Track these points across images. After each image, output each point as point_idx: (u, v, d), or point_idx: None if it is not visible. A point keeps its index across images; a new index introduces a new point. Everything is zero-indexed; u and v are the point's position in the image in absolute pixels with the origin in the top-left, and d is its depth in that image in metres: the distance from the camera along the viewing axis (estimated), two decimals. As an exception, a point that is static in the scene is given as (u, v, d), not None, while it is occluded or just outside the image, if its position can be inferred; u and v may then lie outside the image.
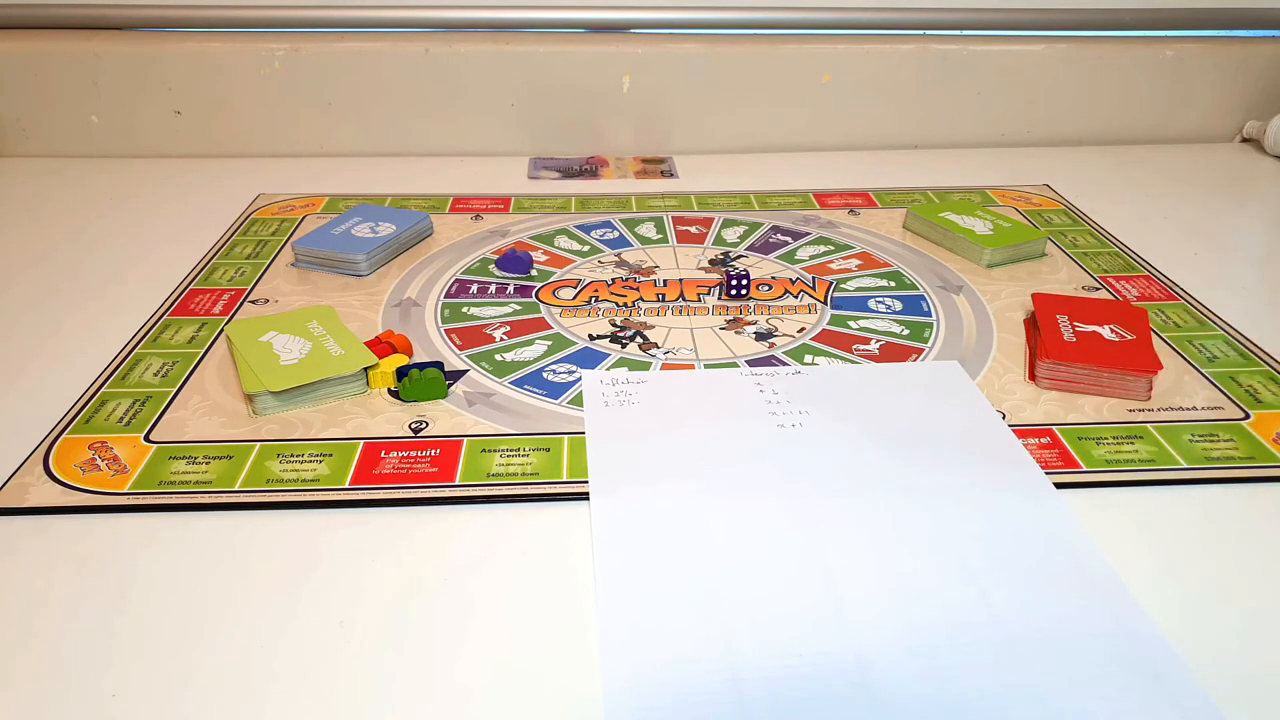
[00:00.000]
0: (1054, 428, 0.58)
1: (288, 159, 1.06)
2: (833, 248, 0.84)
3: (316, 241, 0.80)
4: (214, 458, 0.55)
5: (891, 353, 0.67)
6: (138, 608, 0.45)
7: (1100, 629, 0.43)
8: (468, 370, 0.64)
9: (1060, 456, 0.55)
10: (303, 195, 0.95)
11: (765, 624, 0.43)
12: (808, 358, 0.66)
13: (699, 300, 0.74)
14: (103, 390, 0.61)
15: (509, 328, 0.70)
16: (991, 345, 0.68)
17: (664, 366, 0.65)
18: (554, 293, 0.75)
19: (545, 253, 0.83)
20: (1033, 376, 0.63)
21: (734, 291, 0.74)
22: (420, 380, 0.60)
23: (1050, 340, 0.64)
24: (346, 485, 0.52)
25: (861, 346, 0.68)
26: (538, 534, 0.50)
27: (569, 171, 1.04)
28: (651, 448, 0.56)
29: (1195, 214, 0.93)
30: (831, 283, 0.77)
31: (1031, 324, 0.70)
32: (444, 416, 0.59)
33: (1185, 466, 0.55)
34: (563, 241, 0.85)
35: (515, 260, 0.79)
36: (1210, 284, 0.77)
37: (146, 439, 0.56)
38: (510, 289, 0.76)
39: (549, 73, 1.05)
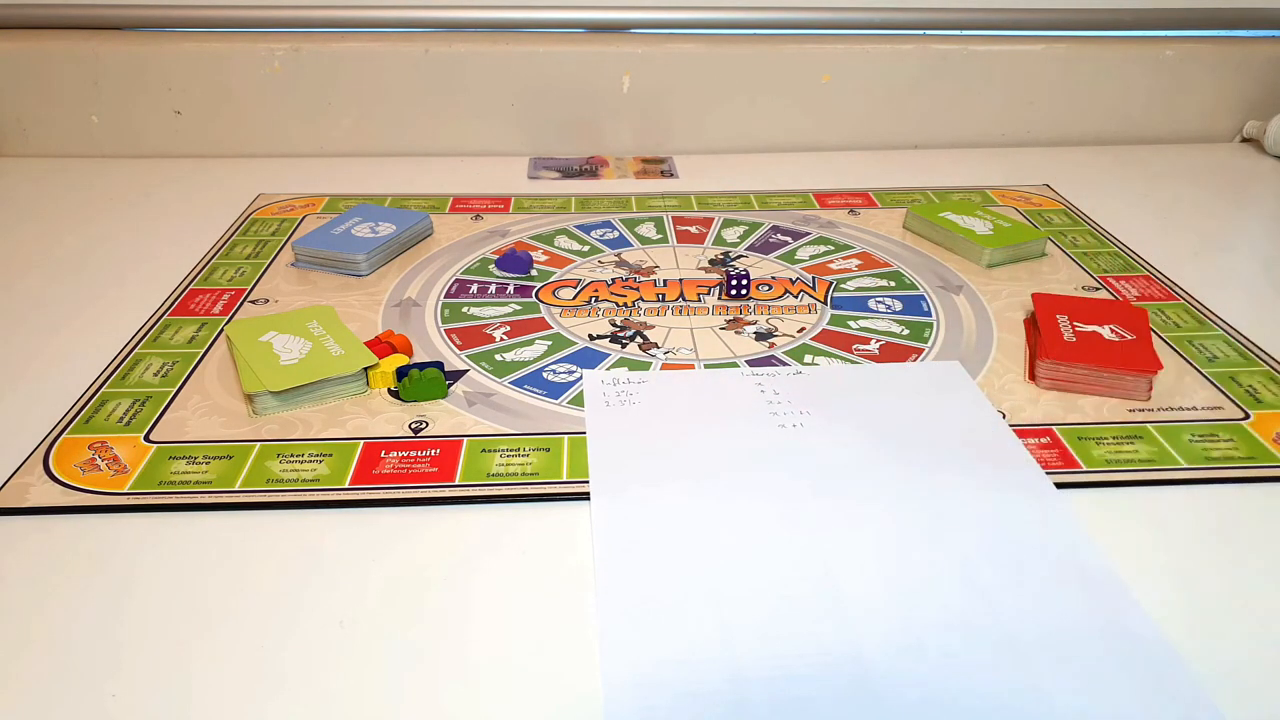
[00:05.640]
0: (1054, 428, 0.58)
1: (288, 159, 1.06)
2: (833, 248, 0.84)
3: (316, 241, 0.80)
4: (214, 458, 0.55)
5: (891, 353, 0.67)
6: (138, 608, 0.45)
7: (1100, 629, 0.43)
8: (468, 370, 0.64)
9: (1060, 456, 0.55)
10: (303, 195, 0.95)
11: (765, 624, 0.43)
12: (808, 358, 0.66)
13: (699, 300, 0.74)
14: (103, 390, 0.61)
15: (509, 328, 0.70)
16: (991, 345, 0.68)
17: (664, 366, 0.65)
18: (554, 293, 0.75)
19: (545, 253, 0.83)
20: (1032, 376, 0.63)
21: (734, 291, 0.74)
22: (420, 380, 0.60)
23: (1050, 340, 0.64)
24: (346, 485, 0.52)
25: (861, 346, 0.68)
26: (538, 534, 0.50)
27: (569, 171, 1.04)
28: (652, 448, 0.56)
29: (1195, 214, 0.93)
30: (831, 283, 0.77)
31: (1031, 324, 0.70)
32: (444, 416, 0.59)
33: (1185, 466, 0.55)
34: (563, 241, 0.85)
35: (515, 260, 0.79)
36: (1210, 284, 0.77)
37: (146, 439, 0.56)
38: (510, 289, 0.76)
39: (549, 73, 1.05)
